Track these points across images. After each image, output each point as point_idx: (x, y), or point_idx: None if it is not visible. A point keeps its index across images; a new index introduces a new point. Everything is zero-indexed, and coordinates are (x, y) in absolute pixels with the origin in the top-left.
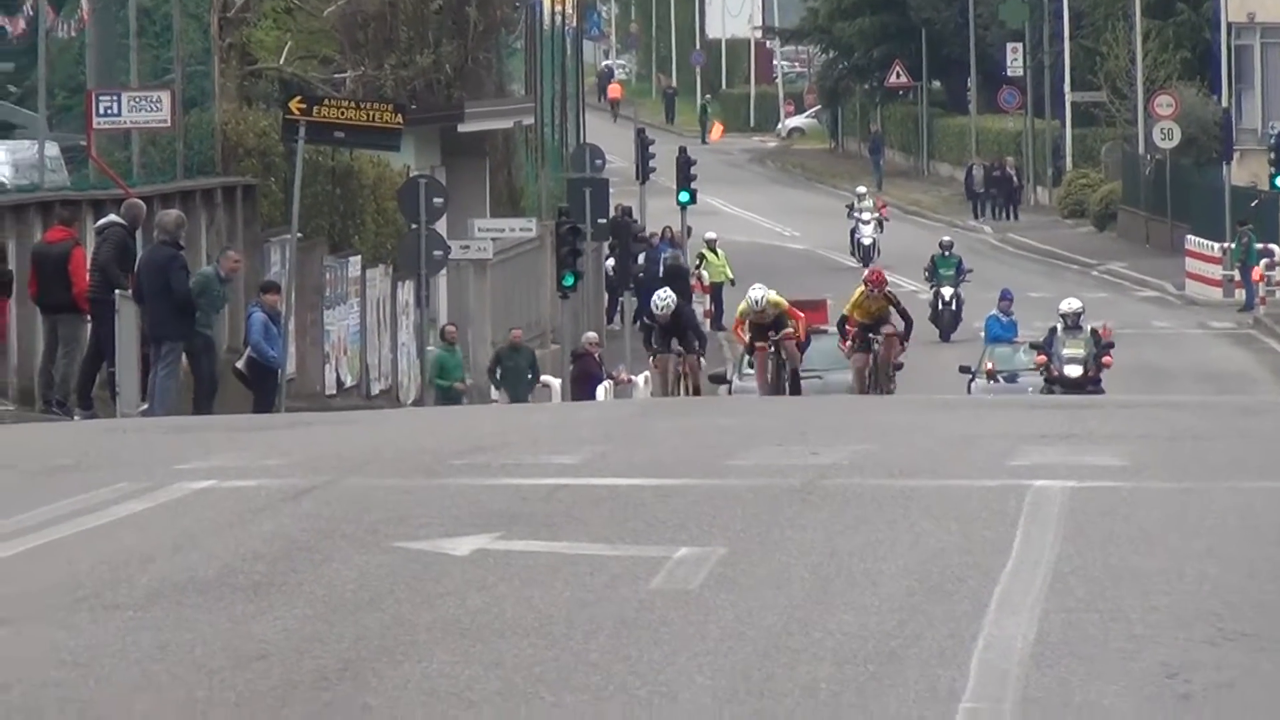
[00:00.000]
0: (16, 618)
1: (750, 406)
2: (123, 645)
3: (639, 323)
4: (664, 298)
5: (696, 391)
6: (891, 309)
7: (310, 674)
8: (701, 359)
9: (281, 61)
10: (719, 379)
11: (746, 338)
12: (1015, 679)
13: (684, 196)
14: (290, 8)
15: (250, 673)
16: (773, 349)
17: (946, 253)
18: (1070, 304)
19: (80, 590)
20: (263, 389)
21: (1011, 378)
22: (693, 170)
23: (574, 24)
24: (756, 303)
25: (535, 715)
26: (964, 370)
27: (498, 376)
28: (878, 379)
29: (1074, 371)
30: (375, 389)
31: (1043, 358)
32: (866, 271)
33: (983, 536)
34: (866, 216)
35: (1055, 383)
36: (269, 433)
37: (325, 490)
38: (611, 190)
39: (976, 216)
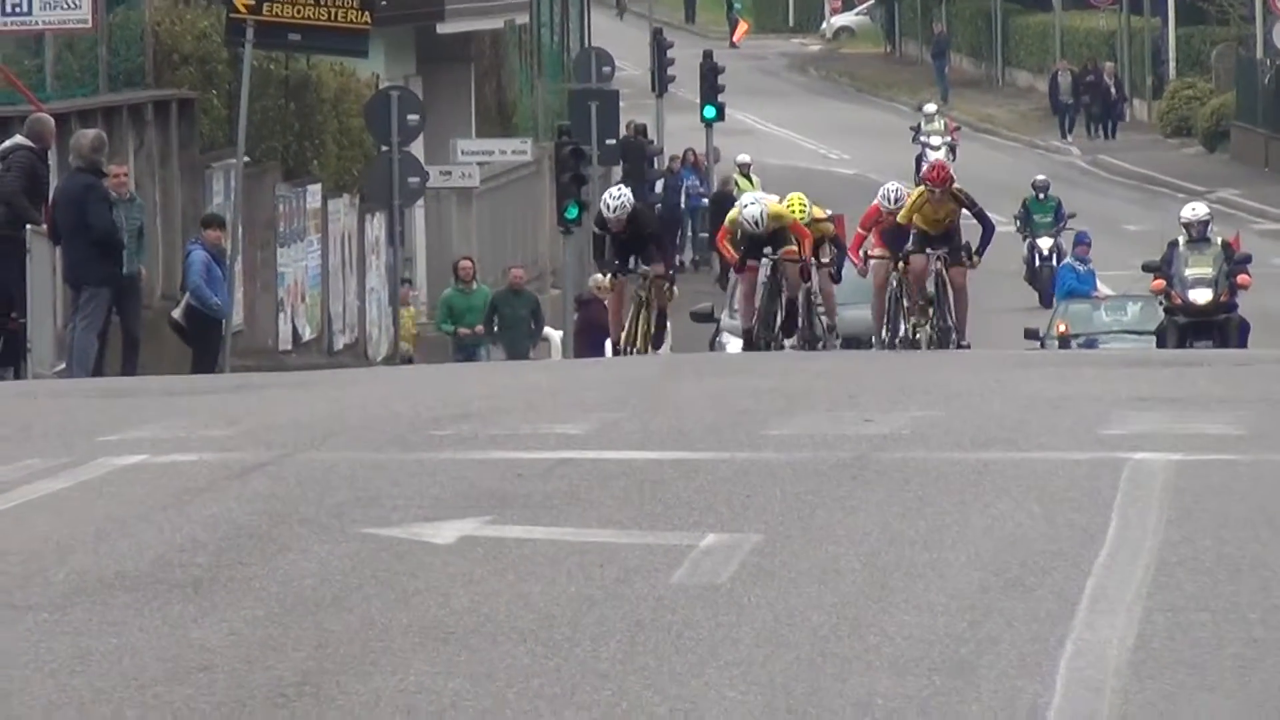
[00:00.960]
0: None
1: (790, 364)
2: (36, 653)
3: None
4: (616, 196)
5: (659, 327)
6: (963, 210)
7: (263, 688)
8: (672, 285)
9: None
10: (702, 316)
11: (736, 254)
12: (1111, 692)
13: (709, 112)
14: None
15: (190, 686)
16: (768, 269)
17: (1042, 195)
18: (1195, 210)
19: None
20: (204, 343)
21: (1091, 343)
22: (720, 80)
23: None
24: (752, 220)
25: None
26: (1030, 335)
27: (494, 327)
28: (941, 313)
29: (1202, 296)
30: (339, 343)
31: (1160, 281)
32: (925, 167)
33: (1070, 520)
34: (936, 140)
35: (1178, 311)
36: (212, 396)
37: (279, 466)
38: (622, 104)
39: (1064, 134)
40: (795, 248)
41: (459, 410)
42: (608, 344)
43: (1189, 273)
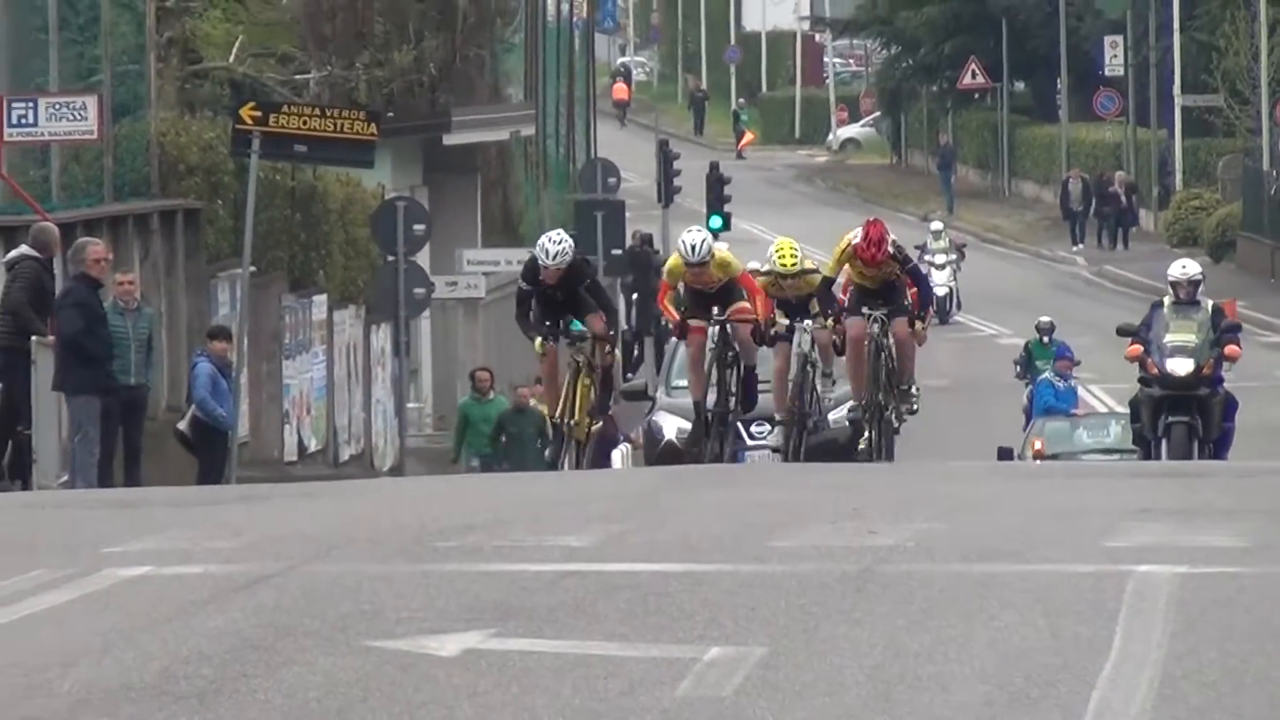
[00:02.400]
0: None
1: (794, 476)
2: None
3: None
4: (558, 241)
5: (603, 395)
6: (899, 273)
7: None
8: (613, 348)
9: (231, 60)
10: (634, 394)
11: (677, 313)
12: None
13: (716, 222)
14: None
15: None
16: (716, 332)
17: (1046, 338)
18: (1185, 268)
19: None
20: (209, 454)
21: (1071, 461)
22: (726, 190)
23: (584, 14)
24: (694, 250)
25: None
26: (1004, 455)
27: (500, 444)
28: (889, 381)
29: (1181, 367)
30: (345, 454)
31: (1136, 347)
32: (860, 231)
33: (1075, 633)
34: (941, 260)
35: (1154, 382)
36: (217, 508)
37: (284, 578)
38: (629, 214)
39: (1075, 241)
40: (747, 304)
41: (464, 522)
42: (614, 455)
43: (1169, 339)
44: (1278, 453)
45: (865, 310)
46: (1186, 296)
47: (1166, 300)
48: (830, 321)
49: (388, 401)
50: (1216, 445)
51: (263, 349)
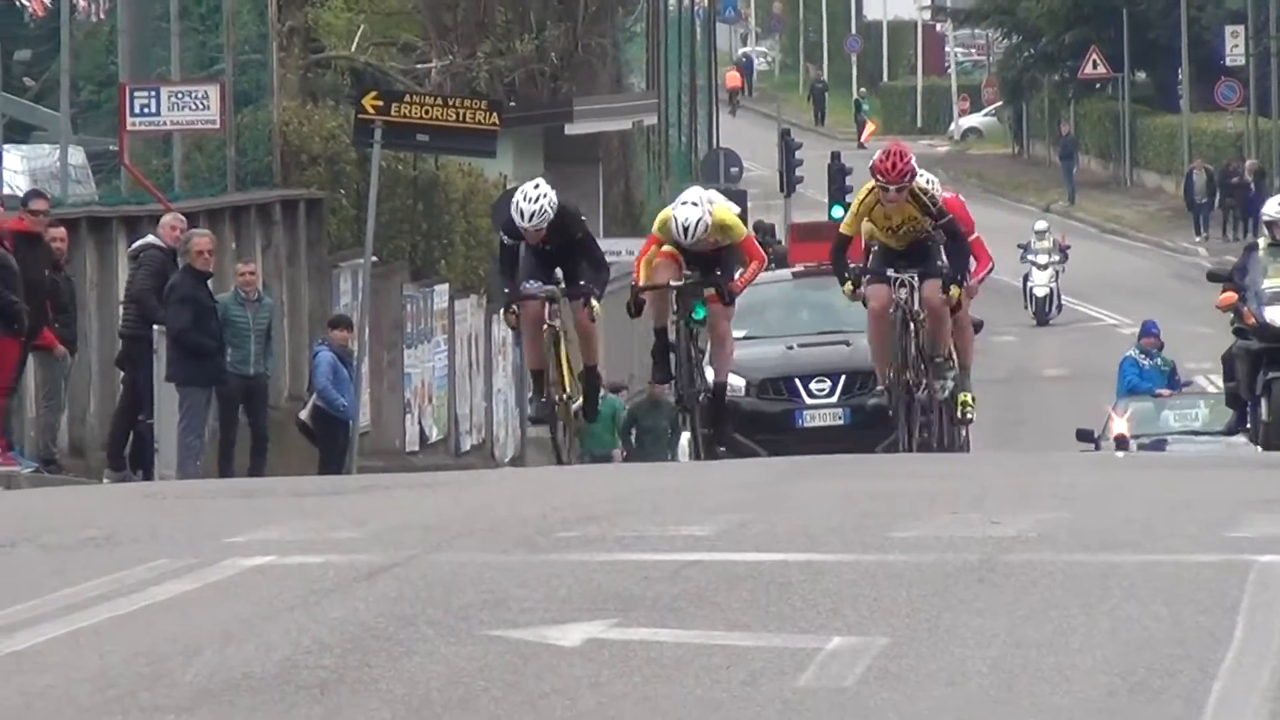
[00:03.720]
0: None
1: (915, 466)
2: None
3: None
4: (534, 198)
5: (589, 360)
6: (930, 221)
7: None
8: (594, 305)
9: (353, 49)
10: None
11: (643, 277)
12: None
13: (837, 211)
14: None
15: None
16: (677, 299)
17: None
18: None
19: (113, 688)
20: (331, 444)
21: (1158, 444)
22: (848, 180)
23: (705, 4)
24: (688, 233)
25: None
26: (1083, 437)
27: (632, 439)
28: (920, 356)
29: (1279, 315)
30: (466, 444)
31: (1230, 295)
32: (879, 154)
33: (1197, 623)
34: (1043, 260)
35: (1251, 333)
36: (339, 498)
37: (406, 568)
38: (750, 204)
39: (1198, 232)
40: (741, 279)
41: (585, 513)
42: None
43: (1268, 284)
44: None
45: (890, 274)
46: None
47: (1262, 242)
48: (848, 286)
49: (509, 391)
50: None
51: (384, 338)
